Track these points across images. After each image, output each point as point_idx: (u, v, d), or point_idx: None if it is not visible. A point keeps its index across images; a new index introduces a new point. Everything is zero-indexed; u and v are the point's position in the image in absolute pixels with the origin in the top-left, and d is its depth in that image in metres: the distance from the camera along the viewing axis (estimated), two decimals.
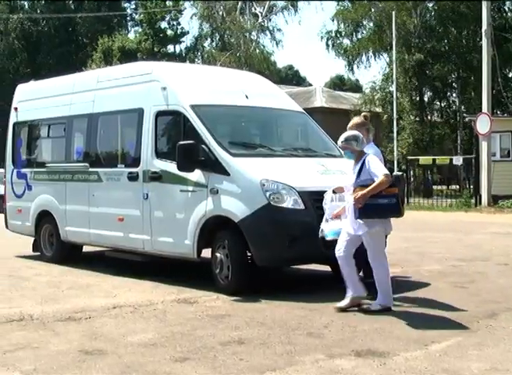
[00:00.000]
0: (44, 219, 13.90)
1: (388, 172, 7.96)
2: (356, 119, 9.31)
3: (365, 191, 7.92)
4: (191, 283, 10.54)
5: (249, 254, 9.49)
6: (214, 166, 9.73)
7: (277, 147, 10.80)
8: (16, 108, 15.17)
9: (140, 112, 11.21)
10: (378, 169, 8.05)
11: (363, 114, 9.66)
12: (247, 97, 11.23)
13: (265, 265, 9.52)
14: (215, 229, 9.86)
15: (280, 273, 11.69)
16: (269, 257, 9.34)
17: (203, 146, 9.89)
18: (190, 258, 10.34)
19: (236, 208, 9.39)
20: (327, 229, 8.74)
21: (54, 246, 13.90)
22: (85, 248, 13.97)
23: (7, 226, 15.27)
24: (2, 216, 15.61)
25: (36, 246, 14.40)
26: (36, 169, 14.33)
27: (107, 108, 12.19)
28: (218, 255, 9.84)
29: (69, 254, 13.57)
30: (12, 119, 15.19)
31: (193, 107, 10.43)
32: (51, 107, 13.87)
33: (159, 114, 10.96)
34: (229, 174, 9.56)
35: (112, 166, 11.83)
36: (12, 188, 14.99)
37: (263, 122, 11.51)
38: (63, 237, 13.38)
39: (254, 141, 10.99)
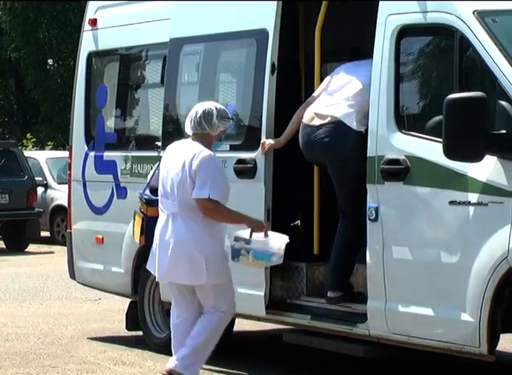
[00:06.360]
0: None
1: None
2: None
3: None
4: None
5: None
6: None
7: None
8: (92, 22, 9.33)
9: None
10: None
11: None
12: None
13: None
14: None
15: None
16: None
17: (504, 104, 6.79)
18: (473, 355, 6.91)
19: None
20: None
21: None
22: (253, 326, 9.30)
23: (72, 275, 9.39)
24: (63, 250, 9.75)
25: (133, 319, 8.77)
26: (136, 154, 9.00)
27: None
28: None
29: None
30: (86, 46, 9.45)
31: (482, 16, 7.12)
32: (178, 16, 8.51)
33: (405, 32, 7.57)
34: None
35: None
36: (86, 194, 9.28)
37: None
38: None
39: None
